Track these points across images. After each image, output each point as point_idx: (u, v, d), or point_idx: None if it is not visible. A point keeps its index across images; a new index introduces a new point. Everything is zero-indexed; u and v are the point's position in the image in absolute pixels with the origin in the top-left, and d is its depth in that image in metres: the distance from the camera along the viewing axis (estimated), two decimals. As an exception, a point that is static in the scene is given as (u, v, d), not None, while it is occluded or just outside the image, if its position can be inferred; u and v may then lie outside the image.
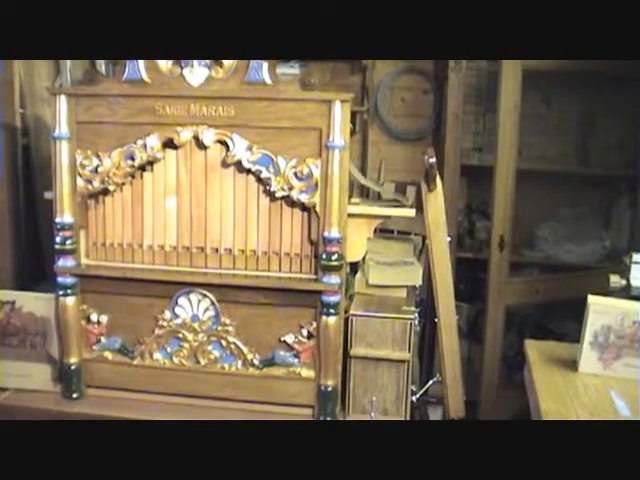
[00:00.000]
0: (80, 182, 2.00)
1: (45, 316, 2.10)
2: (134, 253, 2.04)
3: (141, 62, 1.92)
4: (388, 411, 2.01)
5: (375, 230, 2.05)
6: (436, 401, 2.53)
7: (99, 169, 1.98)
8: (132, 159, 1.95)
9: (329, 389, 1.97)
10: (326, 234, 1.90)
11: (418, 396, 2.15)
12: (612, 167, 3.25)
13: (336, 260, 1.91)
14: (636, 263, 1.91)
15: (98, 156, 1.97)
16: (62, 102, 1.96)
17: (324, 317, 1.93)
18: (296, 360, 2.00)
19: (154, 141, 1.93)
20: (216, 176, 1.96)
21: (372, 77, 3.47)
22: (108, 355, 2.10)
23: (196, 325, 2.02)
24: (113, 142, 1.97)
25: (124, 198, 2.03)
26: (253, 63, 1.88)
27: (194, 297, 2.01)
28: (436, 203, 2.09)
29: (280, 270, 1.98)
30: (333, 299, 1.92)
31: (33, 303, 2.11)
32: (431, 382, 2.30)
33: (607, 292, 1.91)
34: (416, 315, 2.02)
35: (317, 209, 1.91)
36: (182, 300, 2.02)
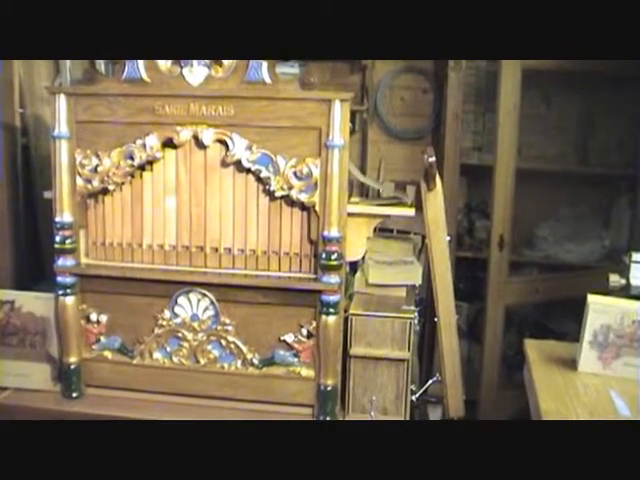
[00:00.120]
0: (80, 181, 2.00)
1: (45, 315, 2.10)
2: (134, 253, 2.04)
3: (140, 61, 1.92)
4: (388, 410, 2.01)
5: (375, 229, 2.04)
6: (436, 400, 2.53)
7: (99, 168, 1.98)
8: (132, 158, 1.95)
9: (329, 388, 1.97)
10: (326, 233, 1.90)
11: (418, 395, 2.14)
12: (612, 167, 3.25)
13: (336, 259, 1.91)
14: (636, 262, 1.92)
15: (98, 155, 1.97)
16: (62, 101, 1.96)
17: (324, 316, 1.93)
18: (296, 359, 2.00)
19: (153, 141, 1.93)
20: (216, 175, 1.96)
21: (372, 76, 3.47)
22: (108, 354, 2.09)
23: (196, 324, 2.02)
24: (113, 141, 1.97)
25: (124, 198, 2.03)
26: (253, 62, 1.87)
27: (194, 296, 2.01)
28: (436, 202, 2.09)
29: (280, 269, 1.98)
30: (333, 298, 1.92)
31: (33, 303, 2.11)
32: (431, 381, 2.30)
33: (607, 291, 1.91)
34: (416, 314, 2.02)
35: (317, 208, 1.91)
36: (182, 299, 2.02)
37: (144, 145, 1.94)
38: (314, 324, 1.96)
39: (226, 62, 1.89)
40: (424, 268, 2.26)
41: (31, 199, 2.71)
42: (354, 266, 2.18)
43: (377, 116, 3.54)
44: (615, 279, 1.94)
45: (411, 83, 3.51)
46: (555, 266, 3.31)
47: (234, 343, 2.01)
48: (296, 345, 1.99)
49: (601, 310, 1.81)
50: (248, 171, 1.93)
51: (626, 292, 1.92)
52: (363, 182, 2.52)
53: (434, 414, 2.71)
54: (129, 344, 2.08)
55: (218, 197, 1.97)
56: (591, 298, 1.82)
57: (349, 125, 1.89)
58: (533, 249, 3.39)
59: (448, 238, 2.14)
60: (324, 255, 1.91)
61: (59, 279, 2.03)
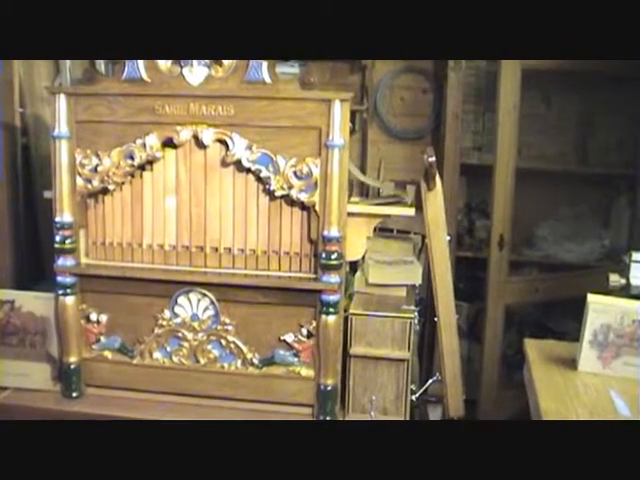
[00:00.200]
0: (80, 181, 2.00)
1: (45, 315, 2.10)
2: (133, 252, 2.04)
3: (140, 61, 1.92)
4: (388, 410, 2.01)
5: (375, 229, 2.05)
6: (436, 400, 2.53)
7: (99, 168, 1.98)
8: (132, 158, 1.95)
9: (329, 388, 1.98)
10: (326, 233, 1.90)
11: (418, 395, 2.14)
12: (611, 166, 3.25)
13: (336, 259, 1.91)
14: (635, 262, 1.92)
15: (98, 155, 1.97)
16: (62, 101, 1.96)
17: (324, 316, 1.93)
18: (296, 359, 2.00)
19: (153, 140, 1.93)
20: (215, 175, 1.96)
21: (371, 76, 3.47)
22: (108, 354, 2.10)
23: (196, 324, 2.02)
24: (113, 141, 1.97)
25: (124, 197, 2.03)
26: (253, 62, 1.88)
27: (194, 296, 2.01)
28: (436, 202, 2.09)
29: (280, 269, 1.98)
30: (333, 298, 1.92)
31: (33, 302, 2.11)
32: (431, 381, 2.30)
33: (607, 291, 1.91)
34: (416, 314, 2.02)
35: (317, 208, 1.91)
36: (182, 299, 2.02)
37: (144, 145, 1.94)
38: (314, 324, 1.96)
39: (226, 62, 1.90)
40: (424, 268, 2.26)
41: (31, 199, 2.71)
42: (354, 266, 2.18)
43: (377, 116, 3.54)
44: (615, 279, 1.93)
45: (411, 83, 3.51)
46: (555, 266, 3.31)
47: (234, 343, 2.01)
48: (296, 345, 1.99)
49: (601, 310, 1.81)
50: (248, 171, 1.93)
51: (626, 292, 1.92)
52: (363, 181, 2.52)
53: (434, 414, 2.71)
54: (129, 344, 2.08)
55: (218, 197, 1.97)
56: (591, 298, 1.82)
57: (349, 125, 1.89)
58: (533, 249, 3.39)
59: (448, 238, 2.14)
60: (324, 255, 1.91)
61: (59, 279, 2.03)
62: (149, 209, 2.01)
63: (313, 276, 1.95)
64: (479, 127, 3.38)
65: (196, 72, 1.91)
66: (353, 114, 3.23)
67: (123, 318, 2.07)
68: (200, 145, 1.94)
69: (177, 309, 2.03)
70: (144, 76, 1.93)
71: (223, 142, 1.93)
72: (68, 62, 2.82)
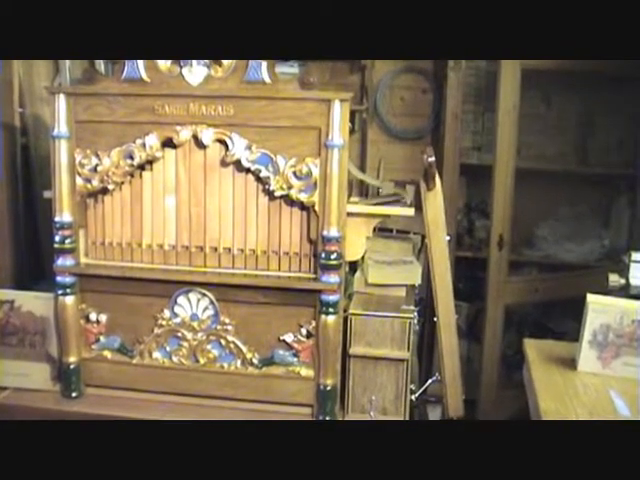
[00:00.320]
0: (79, 181, 2.00)
1: (44, 315, 2.10)
2: (133, 252, 2.04)
3: (140, 61, 1.92)
4: (387, 410, 2.01)
5: (374, 229, 2.05)
6: (435, 400, 2.53)
7: (98, 168, 1.98)
8: (131, 158, 1.95)
9: (328, 388, 1.98)
10: (325, 233, 1.90)
11: (417, 395, 2.14)
12: (611, 166, 3.25)
13: (335, 259, 1.91)
14: (635, 262, 1.92)
15: (97, 155, 1.97)
16: (61, 101, 1.96)
17: (323, 316, 1.93)
18: (295, 359, 2.00)
19: (153, 140, 1.93)
20: (215, 175, 1.96)
21: (371, 76, 3.47)
22: (107, 354, 2.09)
23: (195, 324, 2.02)
24: (112, 141, 1.97)
25: (123, 197, 2.03)
26: (252, 62, 1.87)
27: (193, 296, 2.01)
28: (435, 202, 2.09)
29: (279, 269, 1.98)
30: (332, 298, 1.92)
31: (32, 302, 2.11)
32: (430, 381, 2.30)
33: (606, 291, 1.91)
34: (415, 314, 2.01)
35: (316, 208, 1.91)
36: (181, 299, 2.02)
37: (144, 145, 1.94)
38: (314, 324, 1.96)
39: (225, 62, 1.89)
40: (424, 268, 2.26)
41: (31, 199, 2.71)
42: (354, 266, 2.18)
43: (377, 116, 3.54)
44: (614, 279, 1.94)
45: (411, 83, 3.51)
46: (555, 266, 3.31)
47: (234, 343, 2.01)
48: (296, 345, 1.99)
49: (600, 310, 1.81)
50: (248, 171, 1.93)
51: (625, 292, 1.92)
52: (363, 180, 2.52)
53: (434, 414, 2.71)
54: (129, 344, 2.08)
55: (218, 197, 1.97)
56: (591, 298, 1.82)
57: (349, 125, 1.89)
58: (533, 249, 3.39)
59: (448, 238, 2.14)
60: (324, 255, 1.91)
61: (59, 279, 2.03)
62: (149, 209, 2.01)
63: (313, 276, 1.95)
64: (479, 127, 3.38)
65: (196, 72, 1.91)
66: (353, 114, 3.23)
67: (123, 318, 2.07)
68: (200, 145, 1.94)
69: (177, 309, 2.02)
70: (144, 76, 1.93)
71: (223, 142, 1.92)
72: (68, 62, 2.82)
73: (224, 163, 1.94)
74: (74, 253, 2.03)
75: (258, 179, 1.93)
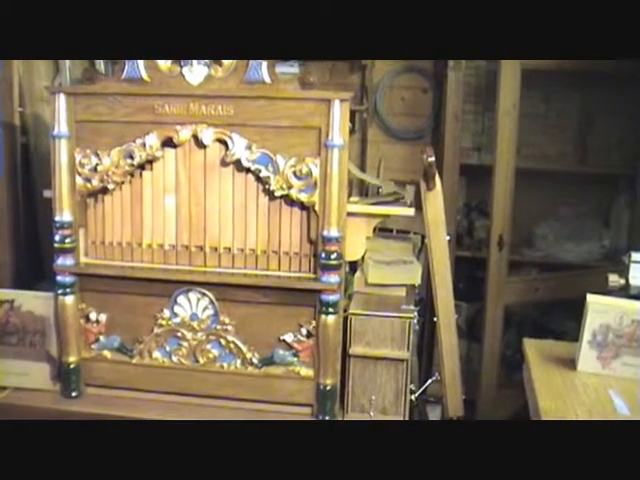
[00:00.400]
0: (79, 181, 2.00)
1: (44, 315, 2.10)
2: (133, 252, 2.04)
3: (140, 61, 1.92)
4: (387, 410, 2.01)
5: (374, 229, 2.05)
6: (435, 400, 2.54)
7: (98, 168, 1.98)
8: (131, 158, 1.95)
9: (328, 388, 1.98)
10: (325, 233, 1.90)
11: (417, 395, 2.15)
12: (611, 166, 3.25)
13: (335, 259, 1.91)
14: (635, 262, 1.92)
15: (97, 155, 1.97)
16: (61, 101, 1.96)
17: (323, 316, 1.93)
18: (295, 359, 2.00)
19: (153, 140, 1.93)
20: (215, 175, 1.96)
21: (371, 76, 3.47)
22: (107, 354, 2.09)
23: (195, 324, 2.02)
24: (112, 141, 1.97)
25: (123, 197, 2.03)
26: (252, 62, 1.87)
27: (193, 296, 2.01)
28: (435, 202, 2.09)
29: (279, 269, 1.98)
30: (332, 298, 1.92)
31: (32, 302, 2.11)
32: (430, 381, 2.30)
33: (606, 291, 1.91)
34: (415, 314, 2.01)
35: (316, 208, 1.91)
36: (181, 299, 2.02)
37: (144, 144, 1.94)
38: (313, 324, 1.96)
39: (226, 62, 1.89)
40: (424, 268, 2.26)
41: (31, 198, 2.71)
42: (354, 266, 2.18)
43: (377, 116, 3.54)
44: (614, 279, 1.94)
45: (411, 83, 3.51)
46: (554, 266, 3.31)
47: (233, 342, 2.01)
48: (295, 345, 1.99)
49: (600, 310, 1.81)
50: (248, 170, 1.93)
51: (625, 292, 1.92)
52: (363, 179, 2.53)
53: (433, 414, 2.71)
54: (128, 343, 2.08)
55: (218, 196, 1.97)
56: (590, 298, 1.83)
57: (349, 125, 1.89)
58: (532, 249, 3.39)
59: (448, 238, 2.14)
60: (324, 255, 1.91)
61: (58, 278, 2.03)
62: (149, 208, 2.01)
63: (313, 276, 1.95)
64: (479, 127, 3.38)
65: (196, 72, 1.91)
66: (353, 114, 3.22)
67: (122, 317, 2.07)
68: (200, 145, 1.94)
69: (176, 309, 2.02)
70: (144, 76, 1.93)
71: (223, 142, 1.92)
72: (68, 62, 2.83)
73: (224, 163, 1.94)
74: (74, 253, 2.03)
75: (258, 179, 1.93)
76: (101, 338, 2.09)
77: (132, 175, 2.00)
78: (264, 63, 1.88)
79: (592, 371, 1.83)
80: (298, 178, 1.90)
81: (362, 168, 3.40)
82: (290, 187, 1.90)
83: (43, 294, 2.10)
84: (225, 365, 2.03)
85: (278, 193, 1.92)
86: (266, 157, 1.91)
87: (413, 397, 2.09)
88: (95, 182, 1.99)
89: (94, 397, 2.09)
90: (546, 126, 3.32)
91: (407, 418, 2.03)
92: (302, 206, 1.93)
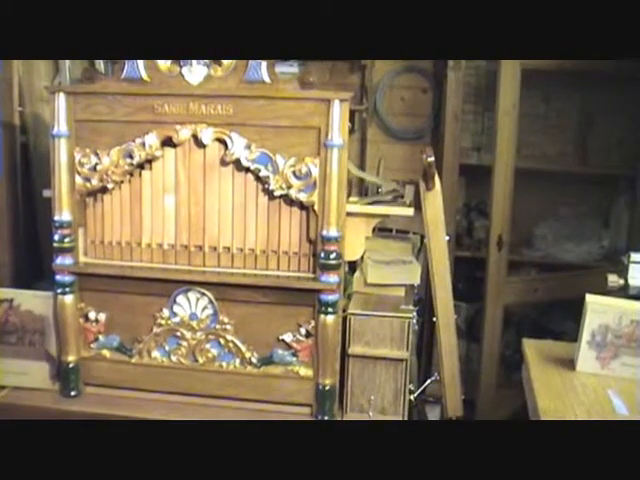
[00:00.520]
0: (79, 180, 2.00)
1: (43, 314, 2.10)
2: (132, 251, 2.04)
3: (140, 61, 1.92)
4: (386, 410, 2.01)
5: (374, 229, 2.05)
6: (434, 400, 2.54)
7: (98, 167, 1.98)
8: (131, 157, 1.95)
9: (327, 388, 1.98)
10: (324, 233, 1.90)
11: (416, 395, 2.15)
12: (611, 166, 3.25)
13: (334, 259, 1.91)
14: (634, 263, 1.92)
15: (97, 154, 1.97)
16: (61, 100, 1.96)
17: (322, 316, 1.93)
18: (294, 359, 2.00)
19: (153, 139, 1.93)
20: (215, 174, 1.96)
21: (371, 76, 3.47)
22: (106, 353, 2.09)
23: (194, 323, 2.02)
24: (112, 140, 1.97)
25: (123, 196, 2.03)
26: (252, 62, 1.87)
27: (192, 295, 2.01)
28: (435, 202, 2.09)
29: (278, 269, 1.98)
30: (331, 298, 1.92)
31: (31, 301, 2.11)
32: (429, 381, 2.30)
33: (605, 291, 1.91)
34: (414, 314, 2.02)
35: (316, 208, 1.91)
36: (180, 298, 2.02)
37: (143, 144, 1.94)
38: (313, 323, 1.96)
39: (225, 61, 1.89)
40: (423, 268, 2.27)
41: (30, 198, 2.71)
42: (353, 266, 2.18)
43: (376, 116, 3.54)
44: (613, 279, 1.94)
45: (411, 83, 3.51)
46: (554, 266, 3.31)
47: (233, 342, 2.01)
48: (295, 344, 1.99)
49: (599, 310, 1.81)
50: (247, 170, 1.93)
51: (624, 292, 1.92)
52: (363, 178, 2.53)
53: (432, 414, 2.71)
54: (128, 343, 2.08)
55: (217, 196, 1.97)
56: (590, 298, 1.82)
57: (348, 125, 1.89)
58: (532, 249, 3.39)
59: (447, 238, 2.14)
60: (323, 254, 1.91)
61: (58, 278, 2.03)
62: (148, 208, 2.01)
63: (312, 276, 1.95)
64: (478, 127, 3.38)
65: (195, 71, 1.91)
66: (352, 114, 3.23)
67: (122, 317, 2.07)
68: (199, 144, 1.94)
69: (176, 308, 2.03)
70: (143, 75, 1.93)
71: (222, 141, 1.93)
72: (68, 61, 2.83)
73: (224, 162, 1.94)
74: (73, 252, 2.03)
75: (257, 178, 1.93)
76: (100, 337, 2.09)
77: (131, 175, 2.00)
78: (264, 63, 1.88)
79: (591, 371, 1.83)
80: (297, 178, 1.90)
81: (362, 168, 3.40)
82: (289, 187, 1.90)
83: (42, 293, 2.10)
84: (224, 365, 2.03)
85: (277, 193, 1.92)
86: (265, 157, 1.91)
87: (412, 397, 2.09)
88: (94, 181, 1.99)
89: (93, 396, 2.09)
90: (546, 126, 3.32)
91: (406, 418, 2.03)
92: (301, 206, 1.93)
